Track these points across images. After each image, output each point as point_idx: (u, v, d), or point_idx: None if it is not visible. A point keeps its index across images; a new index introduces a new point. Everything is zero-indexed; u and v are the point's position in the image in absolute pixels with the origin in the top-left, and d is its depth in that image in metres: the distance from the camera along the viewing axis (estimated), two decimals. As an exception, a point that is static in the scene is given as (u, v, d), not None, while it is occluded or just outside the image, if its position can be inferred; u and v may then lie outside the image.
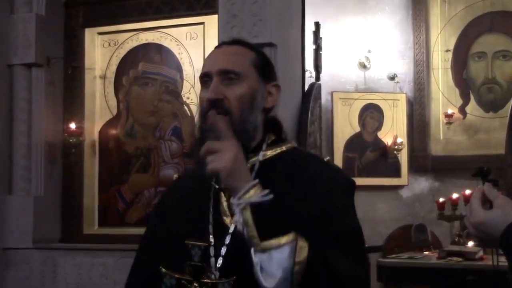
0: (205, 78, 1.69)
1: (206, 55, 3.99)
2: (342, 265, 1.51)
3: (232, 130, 1.60)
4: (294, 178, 1.65)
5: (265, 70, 1.74)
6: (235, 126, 1.62)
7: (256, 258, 1.49)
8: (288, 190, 1.61)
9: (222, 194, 1.66)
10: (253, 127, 1.67)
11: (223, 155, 1.52)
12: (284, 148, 1.73)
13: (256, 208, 1.50)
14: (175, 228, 1.71)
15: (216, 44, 3.72)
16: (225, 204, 1.65)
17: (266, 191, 1.52)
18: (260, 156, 1.69)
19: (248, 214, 1.50)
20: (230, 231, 1.60)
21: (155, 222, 1.82)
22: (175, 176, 1.98)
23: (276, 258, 1.47)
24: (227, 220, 1.63)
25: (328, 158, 1.93)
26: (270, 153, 1.71)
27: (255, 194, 1.51)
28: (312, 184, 1.62)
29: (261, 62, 1.74)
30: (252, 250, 1.50)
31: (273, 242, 1.48)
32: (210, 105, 1.64)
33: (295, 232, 1.50)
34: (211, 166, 1.52)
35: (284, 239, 1.48)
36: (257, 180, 1.54)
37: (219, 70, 1.66)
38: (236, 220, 1.54)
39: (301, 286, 1.46)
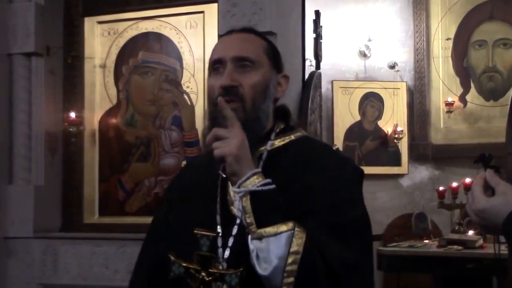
0: (216, 64, 1.66)
1: (206, 44, 4.01)
2: (341, 256, 1.49)
3: (243, 118, 1.59)
4: (301, 168, 1.63)
5: (276, 59, 1.73)
6: (247, 114, 1.61)
7: (252, 245, 1.48)
8: (295, 179, 1.60)
9: (230, 183, 1.63)
10: (265, 116, 1.66)
11: (230, 141, 1.52)
12: (292, 137, 1.72)
13: (256, 196, 1.50)
14: (183, 217, 1.70)
15: (216, 32, 3.75)
16: (232, 193, 1.63)
17: (268, 180, 1.52)
18: (268, 146, 1.68)
19: (247, 202, 1.50)
20: (238, 221, 1.58)
21: (163, 210, 1.82)
22: (183, 163, 1.98)
23: (272, 246, 1.46)
24: (234, 210, 1.61)
25: (337, 146, 1.92)
26: (278, 142, 1.70)
27: (256, 182, 1.51)
28: (320, 173, 1.61)
29: (272, 51, 1.73)
30: (249, 237, 1.49)
31: (270, 229, 1.48)
32: (224, 92, 1.61)
33: (295, 222, 1.49)
34: (218, 151, 1.52)
35: (282, 228, 1.48)
36: (259, 169, 1.54)
37: (234, 56, 1.64)
38: (236, 206, 1.54)
39: (298, 276, 1.45)
